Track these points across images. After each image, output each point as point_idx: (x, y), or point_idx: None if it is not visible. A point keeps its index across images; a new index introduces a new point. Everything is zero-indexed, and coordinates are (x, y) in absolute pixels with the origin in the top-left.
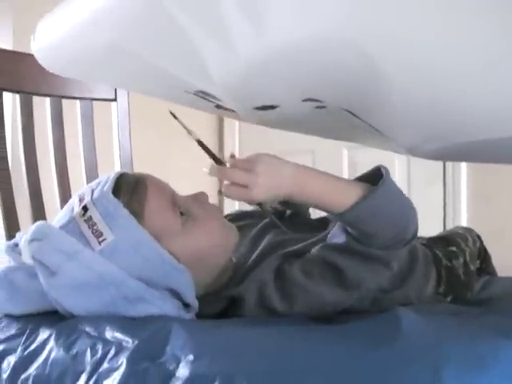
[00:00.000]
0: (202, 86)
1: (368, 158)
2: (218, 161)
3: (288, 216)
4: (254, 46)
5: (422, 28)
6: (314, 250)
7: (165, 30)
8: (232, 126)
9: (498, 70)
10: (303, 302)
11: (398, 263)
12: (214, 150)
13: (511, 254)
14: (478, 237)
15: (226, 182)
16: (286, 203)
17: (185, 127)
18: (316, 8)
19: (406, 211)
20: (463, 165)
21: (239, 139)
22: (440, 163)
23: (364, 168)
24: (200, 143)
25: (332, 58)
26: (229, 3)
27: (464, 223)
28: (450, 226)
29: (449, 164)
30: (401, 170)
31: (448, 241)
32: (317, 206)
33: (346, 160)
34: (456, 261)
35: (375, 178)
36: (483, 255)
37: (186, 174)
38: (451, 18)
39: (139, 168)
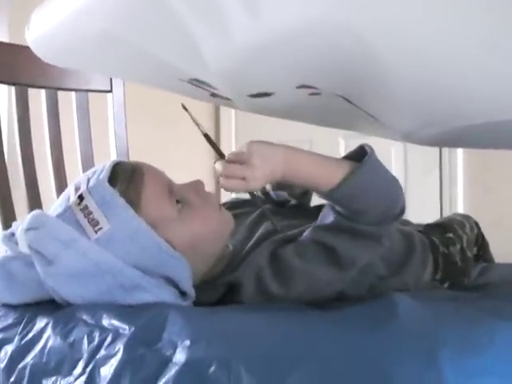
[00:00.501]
0: (197, 73)
1: None
2: (222, 156)
3: (290, 206)
4: (250, 31)
5: (418, 11)
6: (306, 232)
7: (159, 17)
8: (228, 115)
9: (495, 53)
10: (300, 284)
11: (389, 239)
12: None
13: (508, 241)
14: (476, 223)
15: (222, 176)
16: (289, 193)
17: (194, 121)
18: None
19: (392, 186)
20: (459, 153)
21: (235, 127)
22: (436, 151)
23: None
24: (207, 137)
25: (327, 43)
26: None
27: (461, 211)
28: (446, 214)
29: (445, 152)
30: (397, 158)
31: (445, 227)
32: (306, 186)
33: (343, 149)
34: (453, 247)
35: (361, 156)
36: (480, 242)
37: (183, 164)
38: (450, 5)
39: (135, 158)
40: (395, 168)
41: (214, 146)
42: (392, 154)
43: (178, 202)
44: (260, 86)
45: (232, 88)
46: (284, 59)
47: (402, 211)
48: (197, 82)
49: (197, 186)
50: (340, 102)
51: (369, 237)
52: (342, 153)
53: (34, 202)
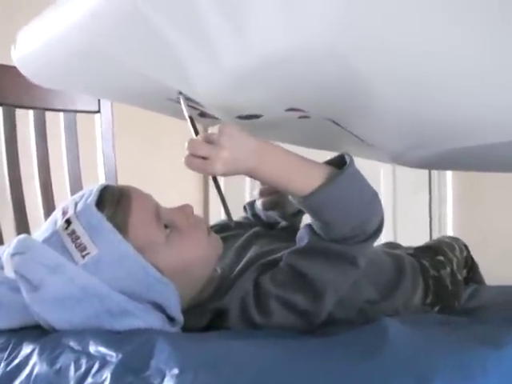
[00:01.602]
0: (186, 91)
1: None
2: (195, 133)
3: (280, 228)
4: (237, 56)
5: (405, 39)
6: (284, 256)
7: (147, 39)
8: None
9: (482, 80)
10: (279, 313)
11: (365, 260)
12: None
13: (497, 261)
14: (465, 245)
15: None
16: (280, 214)
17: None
18: (299, 19)
19: (369, 200)
20: (449, 173)
21: None
22: (426, 171)
23: None
24: (191, 120)
25: (314, 68)
26: (212, 14)
27: (450, 231)
28: (435, 234)
29: (434, 172)
30: (386, 177)
31: (435, 250)
32: (277, 187)
33: None
34: (443, 270)
35: (341, 164)
36: (470, 264)
37: (171, 184)
38: (433, 25)
39: (124, 179)
40: (384, 187)
41: (194, 126)
42: (381, 173)
43: (166, 226)
44: (248, 109)
45: (220, 109)
46: (272, 83)
47: (377, 231)
48: (186, 100)
49: (185, 210)
50: (329, 125)
51: (342, 258)
52: None
53: (21, 222)
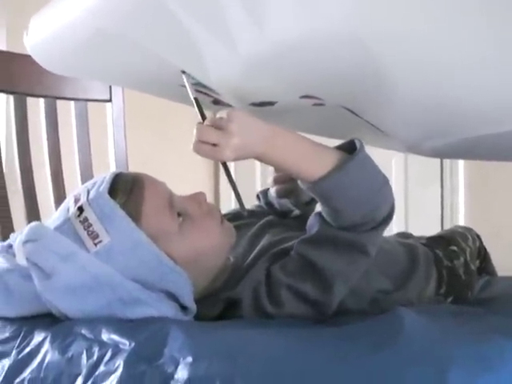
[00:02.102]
0: (201, 77)
1: None
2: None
3: (293, 216)
4: (254, 43)
5: (423, 23)
6: (294, 245)
7: (163, 23)
8: None
9: (501, 64)
10: (290, 303)
11: (375, 248)
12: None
13: (509, 253)
14: (478, 236)
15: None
16: (294, 202)
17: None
18: (317, 4)
19: (379, 187)
20: (461, 164)
21: None
22: (437, 162)
23: None
24: (196, 101)
25: (333, 55)
26: (229, 1)
27: (462, 223)
28: (447, 225)
29: (446, 163)
30: (398, 169)
31: (448, 240)
32: (287, 171)
33: None
34: (457, 261)
35: (351, 150)
36: (483, 254)
37: (182, 173)
38: (453, 13)
39: (135, 169)
40: (396, 177)
41: (201, 109)
42: (393, 165)
43: (179, 214)
44: (263, 96)
45: (235, 96)
46: (287, 70)
47: (387, 219)
48: (200, 87)
49: (198, 198)
50: (343, 113)
51: (351, 246)
52: None
53: (32, 211)
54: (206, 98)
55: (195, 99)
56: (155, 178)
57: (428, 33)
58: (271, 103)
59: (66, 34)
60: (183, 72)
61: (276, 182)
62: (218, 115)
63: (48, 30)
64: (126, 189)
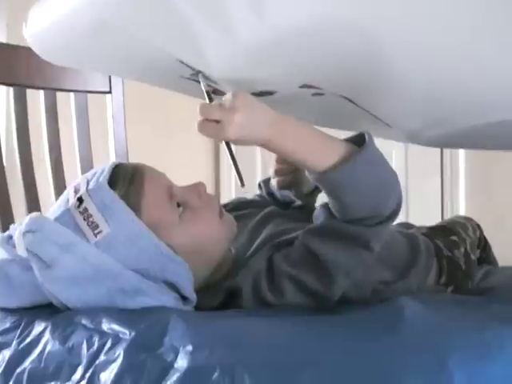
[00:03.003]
0: (200, 67)
1: None
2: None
3: (295, 207)
4: (254, 30)
5: (424, 7)
6: (299, 236)
7: (162, 12)
8: None
9: (504, 50)
10: (291, 293)
11: (380, 243)
12: (209, 139)
13: (510, 244)
14: (478, 226)
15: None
16: (295, 193)
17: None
18: None
19: (387, 180)
20: (461, 155)
21: None
22: (438, 153)
23: None
24: (209, 94)
25: (332, 43)
26: None
27: (462, 213)
28: (448, 217)
29: (446, 155)
30: (398, 160)
31: (449, 230)
32: (293, 161)
33: None
34: (457, 251)
35: (359, 143)
36: (483, 244)
37: (182, 166)
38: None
39: (134, 160)
40: (396, 169)
41: (209, 94)
42: (393, 156)
43: (179, 205)
44: (263, 85)
45: (234, 85)
46: (287, 58)
47: (393, 214)
48: (198, 77)
49: (198, 188)
50: (343, 103)
51: (356, 240)
52: None
53: (33, 203)
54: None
55: (207, 92)
56: (155, 169)
57: (429, 17)
58: (271, 93)
59: (65, 24)
60: (199, 72)
61: (277, 173)
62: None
63: (47, 21)
64: (126, 179)
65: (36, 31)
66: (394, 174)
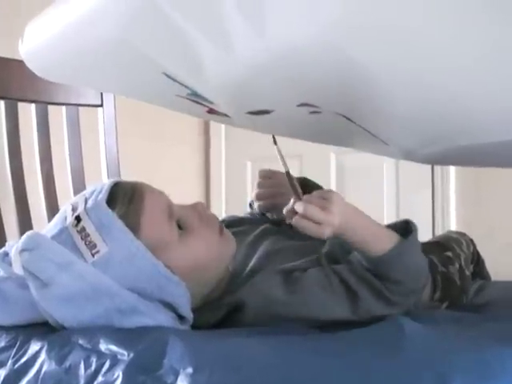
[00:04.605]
0: (197, 87)
1: (356, 162)
2: (300, 196)
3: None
4: (253, 48)
5: (409, 35)
6: (337, 267)
7: (161, 29)
8: (218, 128)
9: (492, 70)
10: (309, 310)
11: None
12: (200, 151)
13: (500, 257)
14: (471, 240)
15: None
16: (277, 217)
17: (281, 157)
18: (315, 12)
19: (424, 263)
20: (452, 169)
21: (225, 142)
22: (428, 168)
23: (352, 172)
24: (288, 176)
25: (327, 62)
26: (229, 6)
27: (453, 227)
28: (438, 231)
29: (437, 168)
30: (389, 174)
31: (443, 246)
32: (357, 247)
33: (334, 164)
34: (452, 266)
35: (400, 229)
36: (476, 259)
37: (173, 180)
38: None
39: (126, 173)
40: (387, 183)
41: (294, 185)
42: (384, 170)
43: (178, 225)
44: (261, 104)
45: (232, 104)
46: (286, 77)
47: (423, 287)
48: (195, 97)
49: (198, 208)
50: (340, 121)
51: (391, 304)
52: (333, 168)
53: (23, 215)
54: (201, 107)
55: (287, 173)
56: (154, 188)
57: (412, 40)
58: (268, 112)
59: (64, 42)
60: (275, 143)
61: (258, 198)
62: (316, 194)
63: (44, 38)
64: (126, 199)
65: (32, 48)
66: (425, 259)
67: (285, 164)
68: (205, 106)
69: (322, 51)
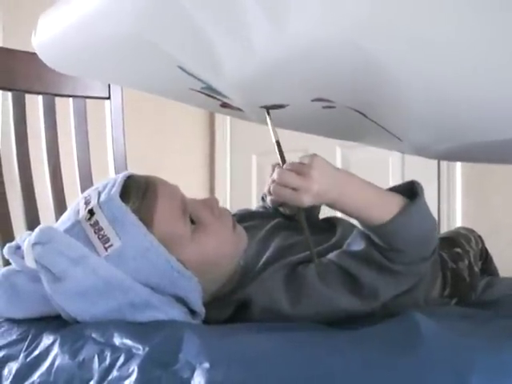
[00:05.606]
0: (212, 81)
1: (362, 156)
2: (284, 163)
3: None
4: (272, 43)
5: (431, 27)
6: (332, 256)
7: (179, 26)
8: (223, 121)
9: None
10: (314, 305)
11: (414, 279)
12: (205, 144)
13: (506, 253)
14: (480, 237)
15: (270, 182)
16: (290, 211)
17: (273, 128)
18: (340, 11)
19: (432, 228)
20: (458, 164)
21: (230, 135)
22: (434, 163)
23: (358, 166)
24: (278, 144)
25: (344, 58)
26: (249, 1)
27: (459, 223)
28: (444, 226)
29: (443, 163)
30: (395, 168)
31: (453, 242)
32: (353, 216)
33: (340, 158)
34: (461, 263)
35: (408, 191)
36: (484, 256)
37: (179, 172)
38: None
39: (132, 165)
40: (393, 178)
41: (282, 155)
42: (390, 166)
43: (191, 219)
44: (276, 98)
45: (246, 99)
46: (303, 72)
47: (434, 253)
48: (209, 91)
49: (211, 203)
50: (353, 116)
51: (395, 274)
52: (339, 162)
53: (30, 207)
54: (214, 101)
55: (277, 142)
56: (168, 182)
57: (435, 35)
58: (282, 106)
59: (76, 34)
60: (268, 113)
61: (270, 193)
62: (298, 160)
63: (58, 30)
64: (139, 193)
65: (45, 40)
66: (435, 221)
67: (275, 133)
68: (219, 99)
69: (342, 49)
